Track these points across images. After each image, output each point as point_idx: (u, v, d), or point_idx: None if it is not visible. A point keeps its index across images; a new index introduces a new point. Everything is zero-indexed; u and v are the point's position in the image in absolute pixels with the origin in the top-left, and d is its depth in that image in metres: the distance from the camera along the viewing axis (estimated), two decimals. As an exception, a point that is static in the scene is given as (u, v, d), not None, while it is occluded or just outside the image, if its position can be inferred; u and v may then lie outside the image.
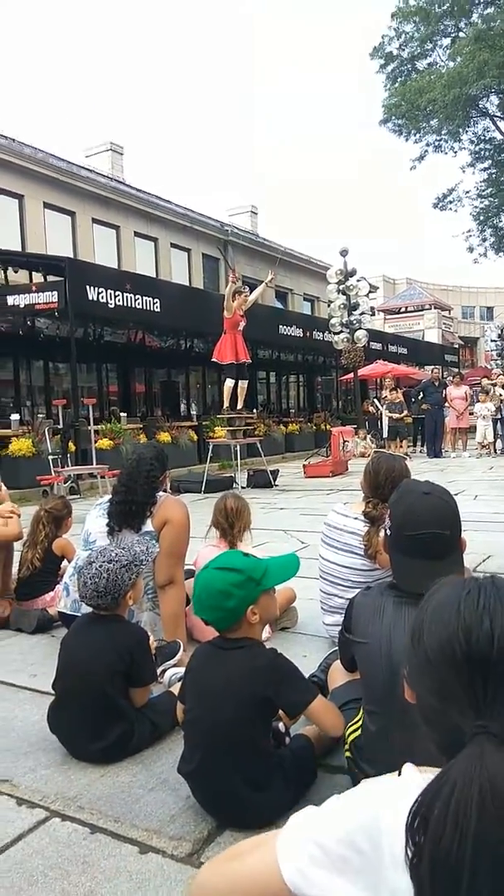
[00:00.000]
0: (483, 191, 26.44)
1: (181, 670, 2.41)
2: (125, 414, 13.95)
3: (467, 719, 0.73)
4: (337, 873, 0.78)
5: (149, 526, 2.82)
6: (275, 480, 9.68)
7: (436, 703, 0.77)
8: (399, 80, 23.83)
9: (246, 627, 1.76)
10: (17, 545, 3.68)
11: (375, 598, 1.69)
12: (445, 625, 0.77)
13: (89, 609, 2.26)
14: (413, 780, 0.80)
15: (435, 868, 0.65)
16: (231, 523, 3.05)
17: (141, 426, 12.92)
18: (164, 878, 1.50)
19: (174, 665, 2.57)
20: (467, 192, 26.75)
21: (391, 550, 1.70)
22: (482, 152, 25.61)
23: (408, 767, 0.83)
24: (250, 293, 9.71)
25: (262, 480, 9.62)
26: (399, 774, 0.83)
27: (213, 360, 9.50)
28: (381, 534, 2.63)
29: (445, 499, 1.67)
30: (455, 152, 25.48)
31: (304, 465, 11.32)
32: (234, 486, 9.32)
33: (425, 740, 0.81)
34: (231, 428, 9.90)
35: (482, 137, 25.29)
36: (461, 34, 22.69)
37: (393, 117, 24.28)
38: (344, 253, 15.03)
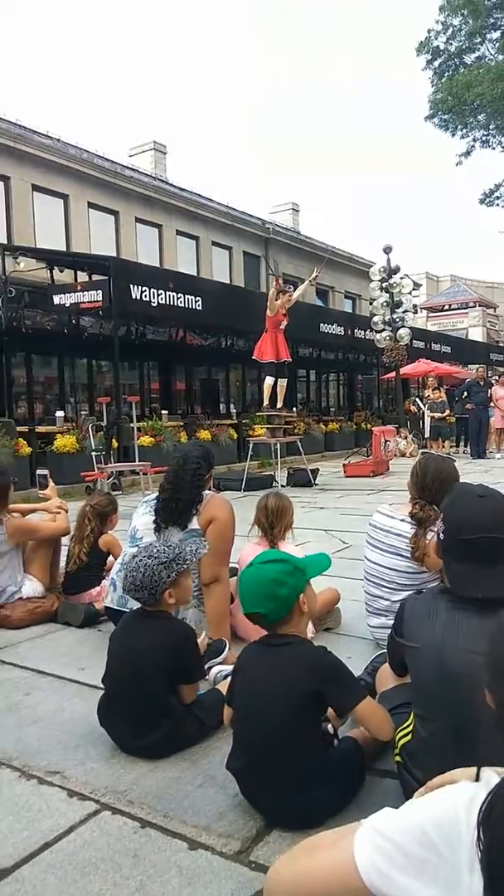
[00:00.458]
0: (531, 186, 25.75)
1: (227, 668, 2.42)
2: (166, 411, 14.10)
3: None
4: (416, 874, 0.79)
5: (195, 524, 2.84)
6: (315, 479, 9.64)
7: None
8: (446, 74, 23.41)
9: (297, 619, 1.78)
10: (65, 540, 3.75)
11: (428, 602, 1.67)
12: None
13: (136, 605, 2.29)
14: (493, 783, 0.79)
15: (493, 859, 0.65)
16: (272, 523, 3.05)
17: (181, 424, 13.03)
18: (213, 875, 1.51)
19: (220, 663, 2.58)
20: (515, 188, 26.10)
21: (444, 555, 1.67)
22: (531, 147, 24.92)
23: (487, 770, 0.83)
24: (294, 291, 9.65)
25: (301, 479, 9.59)
26: (477, 778, 0.82)
27: (254, 358, 9.51)
28: (429, 536, 2.60)
29: (501, 501, 1.64)
30: (503, 147, 24.90)
31: (343, 465, 11.24)
32: (273, 484, 9.32)
33: (494, 745, 0.80)
34: (271, 426, 9.90)
35: (531, 132, 24.62)
36: (511, 26, 22.16)
37: (439, 112, 23.87)
38: (388, 250, 14.87)
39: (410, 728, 1.70)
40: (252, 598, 1.75)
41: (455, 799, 0.81)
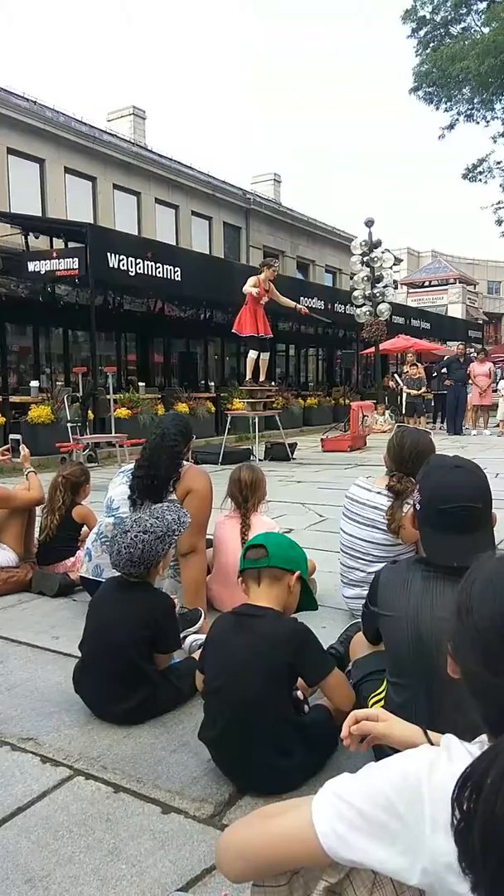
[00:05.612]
0: (514, 162, 25.57)
1: (202, 637, 2.42)
2: (143, 384, 13.95)
3: None
4: (374, 838, 0.79)
5: (171, 496, 2.81)
6: (292, 454, 9.65)
7: (487, 675, 0.76)
8: (431, 45, 23.01)
9: (280, 590, 1.81)
10: (38, 511, 3.71)
11: (403, 572, 1.67)
12: (497, 597, 0.76)
13: (111, 574, 2.28)
14: (454, 747, 0.79)
15: (487, 835, 0.65)
16: (246, 496, 3.05)
17: (159, 396, 12.91)
18: (186, 838, 1.53)
19: (195, 632, 2.59)
20: (498, 163, 25.93)
21: (420, 525, 1.67)
22: (515, 122, 24.68)
23: (448, 737, 0.83)
24: (277, 291, 9.35)
25: (279, 453, 9.60)
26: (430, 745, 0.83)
27: (233, 331, 9.40)
28: (407, 508, 2.61)
29: (476, 472, 1.65)
30: (487, 122, 24.64)
31: (321, 439, 11.27)
32: (251, 458, 9.32)
33: (468, 713, 0.80)
34: (251, 400, 9.86)
35: (516, 106, 24.34)
36: (497, -1, 21.78)
37: (423, 85, 23.51)
38: (369, 223, 14.73)
39: (383, 695, 1.72)
40: (263, 538, 1.86)
41: (416, 762, 0.81)
